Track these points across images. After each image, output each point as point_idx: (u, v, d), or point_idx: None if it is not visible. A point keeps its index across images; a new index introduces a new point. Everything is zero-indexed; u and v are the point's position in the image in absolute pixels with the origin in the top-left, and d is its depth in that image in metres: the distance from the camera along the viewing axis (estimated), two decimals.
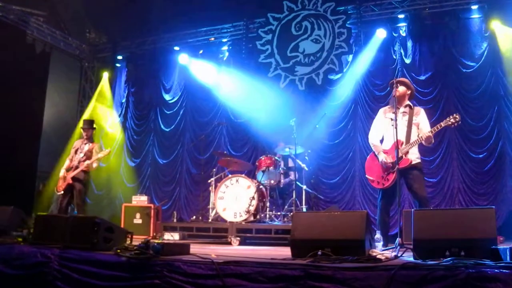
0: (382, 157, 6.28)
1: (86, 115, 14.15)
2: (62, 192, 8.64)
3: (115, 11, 12.27)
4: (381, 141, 6.57)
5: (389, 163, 6.16)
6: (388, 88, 10.21)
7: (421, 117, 6.38)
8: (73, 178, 8.56)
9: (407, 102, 6.47)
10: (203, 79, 12.73)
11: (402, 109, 6.34)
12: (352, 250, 4.13)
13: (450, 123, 6.04)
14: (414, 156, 6.23)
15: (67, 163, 8.86)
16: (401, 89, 6.37)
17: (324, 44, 11.28)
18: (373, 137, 6.61)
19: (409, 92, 6.49)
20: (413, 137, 6.24)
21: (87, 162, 8.56)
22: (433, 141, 6.24)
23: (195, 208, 11.70)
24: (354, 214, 4.84)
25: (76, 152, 8.83)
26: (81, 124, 9.16)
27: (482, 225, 3.94)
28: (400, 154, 6.01)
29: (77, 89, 14.34)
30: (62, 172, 8.77)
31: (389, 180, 6.13)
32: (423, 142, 6.18)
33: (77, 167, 8.61)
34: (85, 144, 8.82)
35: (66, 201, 8.63)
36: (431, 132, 6.08)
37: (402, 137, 6.16)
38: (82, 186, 8.65)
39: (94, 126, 9.27)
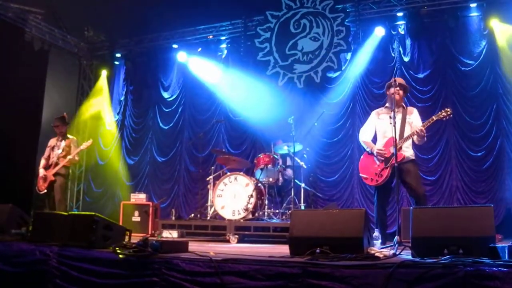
0: (376, 149, 6.32)
1: (84, 113, 14.17)
2: (45, 191, 8.69)
3: (113, 9, 12.24)
4: (373, 141, 6.61)
5: (383, 152, 6.18)
6: None
7: (414, 116, 6.49)
8: (54, 174, 8.59)
9: (402, 103, 6.54)
10: (202, 77, 12.73)
11: (395, 109, 6.37)
12: (350, 248, 4.14)
13: (442, 116, 6.09)
14: (408, 152, 6.28)
15: (43, 162, 8.89)
16: (401, 92, 6.43)
17: (323, 42, 11.27)
18: (364, 136, 6.67)
19: (405, 94, 6.61)
20: (407, 134, 6.29)
21: (69, 157, 8.62)
22: (425, 139, 6.28)
23: (193, 206, 11.70)
24: (353, 212, 4.85)
25: (52, 149, 8.85)
26: (53, 122, 9.14)
27: (481, 223, 3.95)
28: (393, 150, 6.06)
29: (75, 87, 14.31)
30: (41, 172, 8.80)
31: (383, 176, 6.15)
32: (415, 137, 6.20)
33: (57, 164, 8.63)
34: (61, 141, 8.85)
35: (52, 199, 8.65)
36: (423, 126, 6.13)
37: (396, 135, 6.19)
38: (63, 179, 8.69)
39: (67, 121, 9.26)
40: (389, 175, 6.07)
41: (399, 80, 6.66)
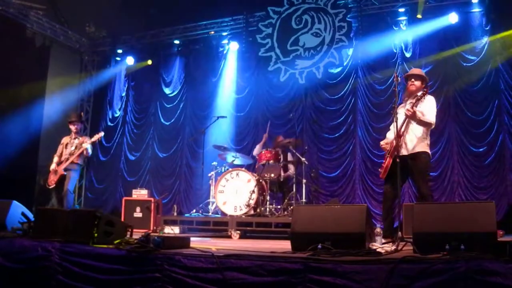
0: (382, 142, 6.31)
1: (86, 110, 14.18)
2: (54, 185, 8.61)
3: (115, 5, 12.24)
4: None
5: (384, 145, 6.14)
6: (389, 81, 10.30)
7: (424, 104, 6.19)
8: (65, 169, 8.55)
9: (418, 93, 6.37)
10: (203, 73, 12.72)
11: (410, 100, 6.26)
12: (352, 244, 4.14)
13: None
14: (417, 143, 6.15)
15: (56, 159, 8.81)
16: (418, 83, 6.32)
17: (324, 38, 11.26)
18: (388, 134, 6.56)
19: (424, 84, 6.43)
20: (412, 125, 6.14)
21: (84, 144, 8.54)
22: (426, 119, 6.06)
23: (195, 201, 11.70)
24: (354, 207, 4.86)
25: (66, 147, 8.81)
26: (70, 118, 9.09)
27: (482, 219, 3.94)
28: (400, 142, 5.99)
29: (77, 83, 14.32)
30: (53, 166, 8.72)
31: (383, 167, 6.10)
32: (416, 122, 6.09)
33: (67, 159, 8.58)
34: (75, 138, 8.82)
35: (59, 195, 8.58)
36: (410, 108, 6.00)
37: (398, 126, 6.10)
38: (74, 174, 8.65)
39: (82, 119, 9.21)
40: (389, 166, 5.99)
41: (417, 71, 6.59)
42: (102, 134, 8.96)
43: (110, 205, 13.09)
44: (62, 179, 8.57)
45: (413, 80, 6.27)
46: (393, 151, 5.92)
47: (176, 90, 13.22)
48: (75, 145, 8.70)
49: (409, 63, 10.62)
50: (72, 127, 8.91)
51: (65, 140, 8.96)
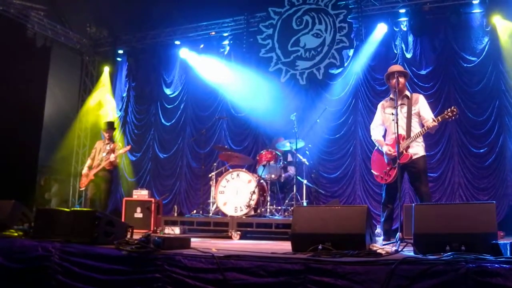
0: (386, 148, 6.24)
1: (87, 110, 14.17)
2: (84, 188, 9.68)
3: (116, 5, 12.24)
4: (384, 136, 6.55)
5: (393, 153, 6.08)
6: None
7: (420, 104, 6.27)
8: (99, 178, 9.30)
9: (405, 92, 6.42)
10: (204, 74, 12.71)
11: (399, 101, 6.20)
12: (352, 244, 4.14)
13: (447, 116, 5.97)
14: (418, 149, 6.15)
15: (89, 162, 9.62)
16: (402, 80, 6.31)
17: (325, 39, 11.25)
18: (376, 133, 6.57)
19: (406, 80, 6.46)
20: (414, 129, 6.17)
21: (112, 155, 9.25)
22: (437, 126, 6.12)
23: (195, 202, 11.71)
24: (355, 208, 4.85)
25: (98, 152, 9.53)
26: (103, 126, 10.09)
27: (483, 220, 3.94)
28: (401, 149, 5.96)
29: (77, 83, 14.33)
30: (85, 170, 9.56)
31: (391, 176, 6.09)
32: (429, 131, 6.11)
33: (99, 165, 9.30)
34: (107, 144, 9.52)
35: (91, 196, 9.41)
36: (435, 121, 6.00)
37: (402, 130, 6.11)
38: (106, 185, 9.43)
39: (115, 127, 10.22)
40: (396, 175, 5.99)
41: (397, 67, 6.56)
42: (128, 148, 10.03)
43: (111, 205, 13.08)
44: (93, 183, 9.36)
45: (397, 77, 6.17)
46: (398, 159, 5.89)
47: (177, 91, 13.23)
48: (106, 151, 9.39)
49: (409, 64, 10.63)
50: (105, 134, 9.75)
51: (98, 145, 9.75)
